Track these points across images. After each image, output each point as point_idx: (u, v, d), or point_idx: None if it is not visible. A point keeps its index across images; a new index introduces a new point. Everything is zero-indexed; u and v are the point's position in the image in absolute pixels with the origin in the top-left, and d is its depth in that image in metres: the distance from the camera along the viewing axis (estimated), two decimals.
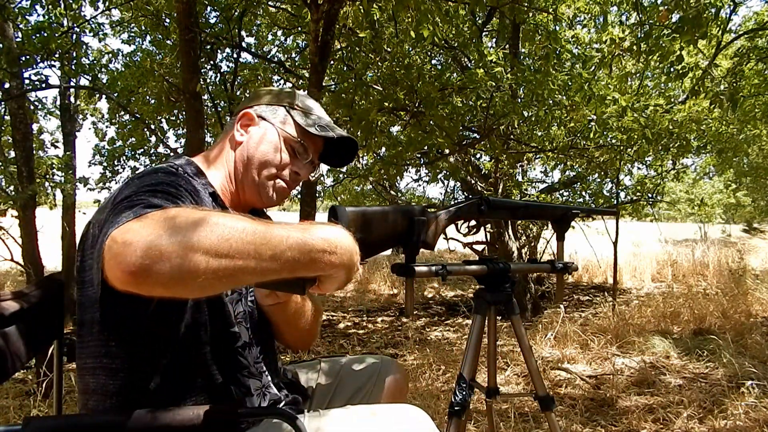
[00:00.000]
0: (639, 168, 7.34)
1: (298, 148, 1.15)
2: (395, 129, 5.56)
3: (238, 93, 6.51)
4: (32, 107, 4.94)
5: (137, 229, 0.68)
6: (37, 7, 4.32)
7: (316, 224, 0.81)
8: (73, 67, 4.48)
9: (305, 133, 1.15)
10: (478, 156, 6.26)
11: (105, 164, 6.96)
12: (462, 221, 1.48)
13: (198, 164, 1.12)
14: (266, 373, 1.13)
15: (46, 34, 3.86)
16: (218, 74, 6.04)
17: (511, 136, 5.31)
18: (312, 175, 1.21)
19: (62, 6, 4.73)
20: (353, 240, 0.83)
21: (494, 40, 6.64)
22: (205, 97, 4.87)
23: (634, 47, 4.26)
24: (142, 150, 6.99)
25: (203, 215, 0.71)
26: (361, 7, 4.56)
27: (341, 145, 1.21)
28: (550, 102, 4.46)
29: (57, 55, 4.01)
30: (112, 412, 0.91)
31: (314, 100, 1.22)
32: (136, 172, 1.06)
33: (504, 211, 1.54)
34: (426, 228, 1.33)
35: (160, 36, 6.05)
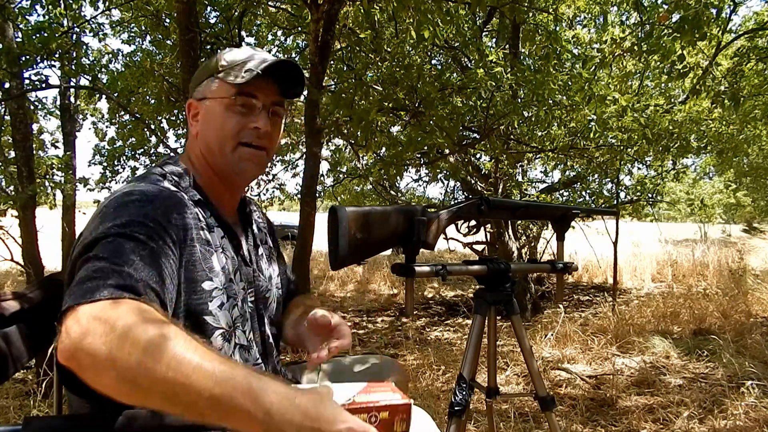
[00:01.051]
0: (639, 168, 7.34)
1: (240, 106, 1.07)
2: (395, 129, 5.56)
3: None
4: (32, 107, 4.94)
5: (81, 328, 0.70)
6: (37, 7, 4.31)
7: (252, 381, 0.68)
8: (73, 67, 4.47)
9: (238, 87, 1.06)
10: (478, 156, 6.26)
11: (105, 164, 6.96)
12: (462, 221, 1.47)
13: (187, 166, 1.10)
14: (266, 372, 1.12)
15: (46, 34, 3.86)
16: None
17: (511, 136, 5.31)
18: (283, 121, 1.16)
19: (62, 6, 4.72)
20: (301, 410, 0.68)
21: (494, 40, 6.64)
22: None
23: (635, 47, 4.27)
24: (142, 150, 6.99)
25: (144, 338, 0.67)
26: (361, 7, 4.56)
27: (288, 73, 1.11)
28: (551, 102, 4.46)
29: (57, 55, 4.00)
30: (111, 412, 0.91)
31: (242, 48, 1.15)
32: (122, 187, 1.01)
33: (504, 211, 1.53)
34: (426, 228, 1.32)
35: (160, 36, 6.05)
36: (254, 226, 1.22)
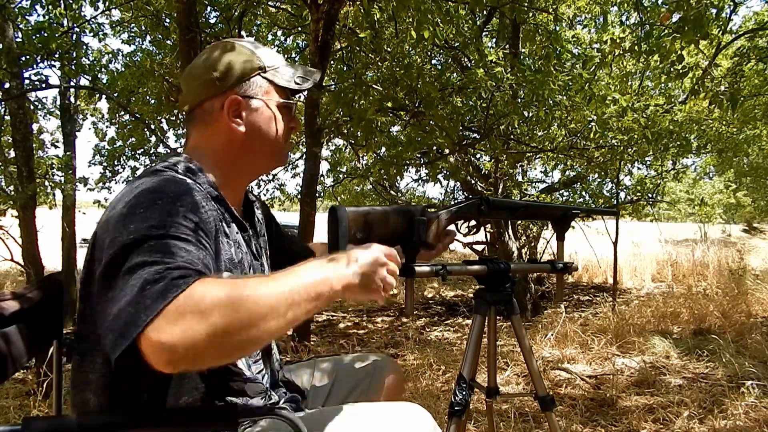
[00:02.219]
0: (639, 168, 7.35)
1: (287, 109, 1.14)
2: (395, 129, 5.56)
3: None
4: (32, 107, 4.95)
5: (171, 330, 0.73)
6: (37, 7, 4.32)
7: (308, 269, 0.86)
8: (73, 67, 4.47)
9: (288, 90, 1.14)
10: (478, 156, 6.26)
11: (105, 164, 6.96)
12: (462, 221, 1.47)
13: (203, 167, 1.07)
14: (266, 372, 1.13)
15: (46, 34, 3.87)
16: None
17: (511, 136, 5.31)
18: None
19: (62, 6, 4.73)
20: (379, 265, 0.94)
21: (494, 40, 6.64)
22: None
23: (635, 47, 4.26)
24: (142, 150, 6.99)
25: (228, 295, 0.75)
26: (361, 7, 4.56)
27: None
28: (551, 102, 4.46)
29: (57, 55, 4.00)
30: (111, 412, 0.91)
31: (258, 45, 1.16)
32: (137, 183, 0.95)
33: (504, 211, 1.53)
34: (426, 228, 1.32)
35: (160, 36, 6.06)
36: (257, 217, 1.24)
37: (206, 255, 0.87)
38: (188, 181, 1.00)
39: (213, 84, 1.08)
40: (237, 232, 1.09)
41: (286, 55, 6.58)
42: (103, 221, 0.92)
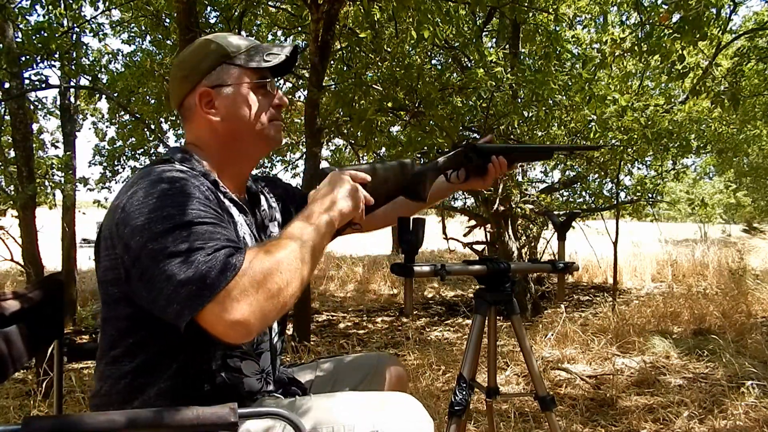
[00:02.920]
0: (639, 168, 7.34)
1: (263, 89, 1.14)
2: (395, 129, 5.56)
3: None
4: (32, 107, 4.95)
5: (240, 308, 0.84)
6: (37, 7, 4.31)
7: (318, 202, 1.03)
8: (73, 67, 4.47)
9: (261, 72, 1.13)
10: None
11: (105, 164, 6.97)
12: (452, 171, 1.44)
13: (196, 154, 1.11)
14: (268, 351, 1.15)
15: (46, 34, 3.86)
16: None
17: (511, 136, 5.31)
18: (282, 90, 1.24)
19: (62, 6, 4.73)
20: (341, 186, 1.07)
21: (494, 40, 6.64)
22: None
23: (635, 47, 4.26)
24: (142, 150, 6.99)
25: (270, 263, 0.88)
26: (361, 7, 4.56)
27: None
28: (551, 102, 4.46)
29: (57, 55, 4.00)
30: (112, 412, 0.91)
31: (223, 35, 1.17)
32: (138, 183, 0.97)
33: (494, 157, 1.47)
34: (419, 182, 1.29)
35: (160, 36, 6.06)
36: (264, 204, 1.25)
37: (231, 231, 0.95)
38: (184, 168, 1.04)
39: (184, 81, 1.12)
40: (239, 215, 1.12)
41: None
42: (112, 225, 0.96)
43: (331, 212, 1.01)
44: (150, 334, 0.99)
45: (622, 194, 6.84)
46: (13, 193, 3.90)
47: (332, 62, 5.08)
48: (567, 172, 7.18)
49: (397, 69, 4.21)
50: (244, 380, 1.07)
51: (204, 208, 0.93)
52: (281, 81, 6.32)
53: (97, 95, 6.97)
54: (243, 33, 5.44)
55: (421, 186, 1.27)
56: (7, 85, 3.83)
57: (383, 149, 5.36)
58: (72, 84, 5.22)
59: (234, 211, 1.10)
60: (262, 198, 1.26)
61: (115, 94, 5.83)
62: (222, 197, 1.08)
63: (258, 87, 1.13)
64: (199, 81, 1.10)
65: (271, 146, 1.19)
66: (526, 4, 4.41)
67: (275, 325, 1.20)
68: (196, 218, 0.90)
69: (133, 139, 6.87)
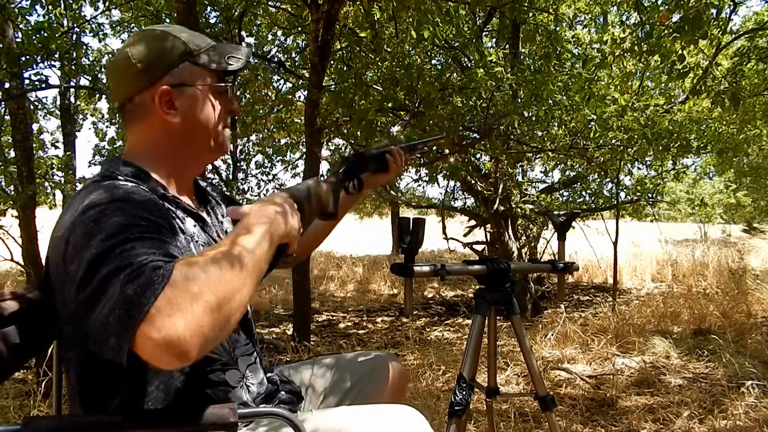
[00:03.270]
0: (639, 168, 7.34)
1: (223, 94, 1.09)
2: (395, 129, 5.56)
3: (238, 93, 6.50)
4: (32, 107, 4.94)
5: (172, 323, 0.71)
6: (37, 7, 4.31)
7: (251, 224, 0.89)
8: (73, 67, 4.47)
9: (221, 74, 1.09)
10: (478, 156, 6.26)
11: None
12: (349, 182, 1.33)
13: (138, 164, 1.03)
14: (243, 356, 1.11)
15: (46, 34, 3.86)
16: None
17: (511, 136, 5.31)
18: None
19: (62, 6, 4.72)
20: (277, 209, 0.95)
21: (494, 40, 6.64)
22: None
23: (635, 47, 4.26)
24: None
25: (207, 270, 0.76)
26: (361, 7, 4.55)
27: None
28: (551, 102, 4.46)
29: (57, 55, 4.00)
30: (111, 412, 0.91)
31: (180, 29, 1.09)
32: (82, 199, 0.91)
33: (374, 162, 1.40)
34: (333, 200, 1.20)
35: None
36: (213, 202, 1.21)
37: (173, 246, 0.85)
38: (130, 185, 0.96)
39: (140, 76, 1.02)
40: (194, 225, 1.06)
41: (280, 53, 6.59)
42: (56, 240, 0.90)
43: (272, 227, 0.91)
44: (125, 367, 0.87)
45: (622, 194, 6.85)
46: (13, 193, 3.90)
47: (332, 62, 5.07)
48: (567, 172, 7.18)
49: (397, 69, 4.21)
50: (232, 392, 1.04)
51: (138, 221, 0.84)
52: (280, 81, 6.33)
53: (97, 95, 6.97)
54: (243, 33, 5.44)
55: (334, 204, 1.20)
56: (7, 85, 3.82)
57: None
58: (72, 84, 5.21)
59: (189, 222, 1.04)
60: (210, 197, 1.21)
61: None
62: (175, 208, 1.03)
63: (218, 91, 1.08)
64: (160, 78, 1.02)
65: (221, 154, 1.14)
66: (526, 4, 4.41)
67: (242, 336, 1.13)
68: (128, 237, 0.80)
69: None
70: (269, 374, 1.20)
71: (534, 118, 4.93)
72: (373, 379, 1.32)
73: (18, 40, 3.78)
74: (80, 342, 0.91)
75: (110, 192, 0.90)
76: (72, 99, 6.57)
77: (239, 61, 1.08)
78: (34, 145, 4.73)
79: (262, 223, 0.89)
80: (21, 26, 4.16)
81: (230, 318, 0.77)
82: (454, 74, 5.11)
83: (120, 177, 0.98)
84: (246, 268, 0.80)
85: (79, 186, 5.48)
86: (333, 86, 5.00)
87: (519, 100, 4.69)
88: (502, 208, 5.77)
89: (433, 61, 5.93)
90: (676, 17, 3.64)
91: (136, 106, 1.04)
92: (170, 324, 0.70)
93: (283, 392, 1.19)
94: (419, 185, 8.10)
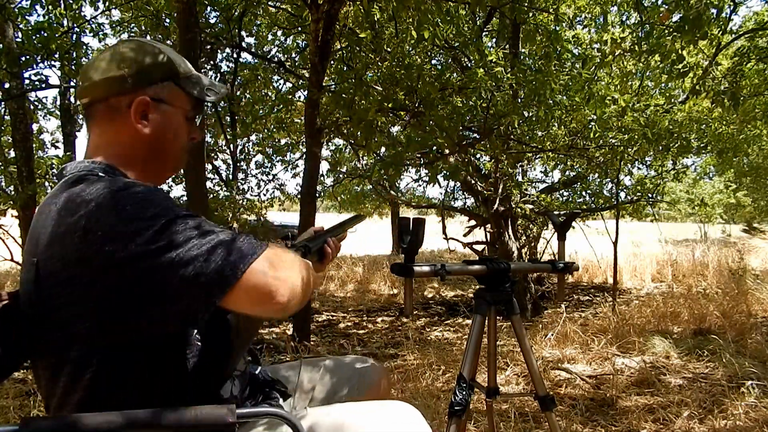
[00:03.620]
0: (639, 168, 7.35)
1: (192, 121, 1.13)
2: (395, 129, 5.56)
3: (237, 93, 6.50)
4: (32, 107, 4.94)
5: (275, 274, 0.88)
6: (37, 7, 4.31)
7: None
8: (73, 67, 4.47)
9: (196, 101, 1.12)
10: (478, 156, 6.26)
11: None
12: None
13: (117, 167, 1.03)
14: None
15: (46, 34, 3.86)
16: (218, 74, 6.04)
17: (511, 136, 5.31)
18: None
19: (62, 6, 4.73)
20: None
21: (494, 40, 6.64)
22: None
23: (635, 47, 4.26)
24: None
25: (291, 257, 0.97)
26: (361, 7, 4.55)
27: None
28: (551, 102, 4.45)
29: (57, 55, 4.00)
30: (112, 412, 0.91)
31: (169, 49, 1.12)
32: (90, 201, 0.88)
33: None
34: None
35: (160, 36, 6.05)
36: None
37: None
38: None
39: (122, 80, 1.03)
40: None
41: (280, 53, 6.59)
42: (69, 253, 0.87)
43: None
44: (136, 363, 0.92)
45: (622, 194, 6.85)
46: (13, 193, 3.90)
47: (332, 62, 5.07)
48: (567, 173, 7.18)
49: (397, 69, 4.21)
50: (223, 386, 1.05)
51: (173, 203, 0.91)
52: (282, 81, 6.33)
53: None
54: (243, 33, 5.44)
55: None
56: (7, 85, 3.83)
57: (383, 149, 5.36)
58: (72, 84, 5.21)
59: None
60: None
61: None
62: None
63: (189, 117, 1.12)
64: (142, 88, 1.04)
65: (175, 173, 1.24)
66: (526, 4, 4.41)
67: None
68: (185, 214, 0.88)
69: None
70: (255, 370, 1.20)
71: (534, 118, 4.94)
72: (357, 385, 1.34)
73: (18, 40, 3.78)
74: (104, 334, 0.89)
75: (117, 181, 0.92)
76: (72, 99, 6.56)
77: (215, 95, 1.14)
78: (34, 145, 4.74)
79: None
80: (21, 26, 4.16)
81: (306, 293, 0.94)
82: (454, 74, 5.11)
83: (102, 174, 0.97)
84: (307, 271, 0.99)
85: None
86: (333, 86, 5.00)
87: (519, 100, 4.69)
88: (502, 208, 5.77)
89: (433, 61, 5.93)
90: (676, 17, 3.64)
91: (109, 108, 1.04)
92: (272, 274, 0.87)
93: (267, 388, 1.20)
94: (419, 185, 8.11)
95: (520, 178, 6.32)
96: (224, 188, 6.30)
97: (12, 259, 3.84)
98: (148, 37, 6.41)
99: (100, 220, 0.85)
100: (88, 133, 1.09)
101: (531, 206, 5.95)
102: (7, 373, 1.02)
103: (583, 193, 7.26)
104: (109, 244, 0.84)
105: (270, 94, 7.01)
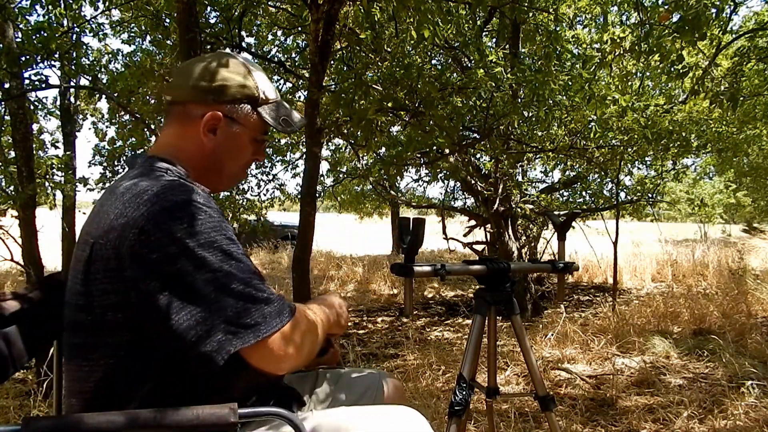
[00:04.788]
0: (639, 168, 7.35)
1: (259, 143, 1.16)
2: (395, 129, 5.56)
3: None
4: (32, 107, 4.94)
5: (295, 340, 0.95)
6: (37, 7, 4.31)
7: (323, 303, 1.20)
8: (73, 67, 4.47)
9: (267, 126, 1.15)
10: (478, 156, 6.26)
11: (105, 164, 6.95)
12: None
13: (186, 167, 1.08)
14: None
15: (46, 34, 3.86)
16: None
17: (511, 136, 5.31)
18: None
19: (62, 6, 4.72)
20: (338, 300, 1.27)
21: (494, 40, 6.64)
22: None
23: (635, 47, 4.26)
24: (142, 150, 6.99)
25: (313, 320, 1.05)
26: (361, 7, 4.55)
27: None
28: (551, 102, 4.45)
29: (57, 55, 4.00)
30: (112, 412, 0.91)
31: (263, 76, 1.16)
32: (154, 198, 0.92)
33: None
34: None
35: (160, 36, 6.05)
36: None
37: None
38: (195, 186, 1.01)
39: (204, 92, 1.08)
40: None
41: (280, 53, 6.58)
42: (123, 246, 0.90)
43: (331, 312, 1.18)
44: (155, 361, 0.95)
45: (622, 194, 6.86)
46: (13, 193, 3.90)
47: (332, 62, 5.07)
48: (567, 172, 7.18)
49: (397, 69, 4.21)
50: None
51: (233, 236, 0.95)
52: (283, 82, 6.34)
53: (97, 95, 6.97)
54: (243, 33, 5.43)
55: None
56: (7, 85, 3.82)
57: (383, 149, 5.36)
58: (72, 84, 5.22)
59: None
60: None
61: (115, 94, 5.82)
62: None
63: (257, 140, 1.15)
64: (219, 104, 1.08)
65: (226, 189, 1.26)
66: (526, 4, 4.40)
67: None
68: (238, 250, 0.93)
69: (133, 139, 6.85)
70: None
71: (534, 119, 4.94)
72: (373, 396, 1.33)
73: (18, 40, 3.78)
74: (130, 331, 0.93)
75: (184, 189, 0.95)
76: (72, 99, 6.56)
77: (290, 127, 1.16)
78: (34, 145, 4.73)
79: (331, 307, 1.19)
80: (21, 26, 4.16)
81: (310, 356, 1.03)
82: (454, 74, 5.11)
83: (169, 171, 1.03)
84: (322, 331, 1.07)
85: (80, 186, 5.42)
86: (333, 86, 5.00)
87: (519, 100, 4.69)
88: (502, 208, 5.77)
89: (433, 61, 5.93)
90: (676, 17, 3.64)
91: (185, 113, 1.10)
92: (287, 350, 0.93)
93: (282, 396, 1.20)
94: (419, 185, 8.11)
95: (520, 178, 6.32)
96: None
97: (12, 259, 3.83)
98: (148, 37, 6.42)
99: (158, 226, 0.89)
100: (163, 127, 1.16)
101: (531, 206, 5.95)
102: (22, 361, 1.07)
103: (583, 193, 7.26)
104: (159, 253, 0.88)
105: None
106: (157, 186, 0.94)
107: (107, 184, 6.81)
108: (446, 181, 6.71)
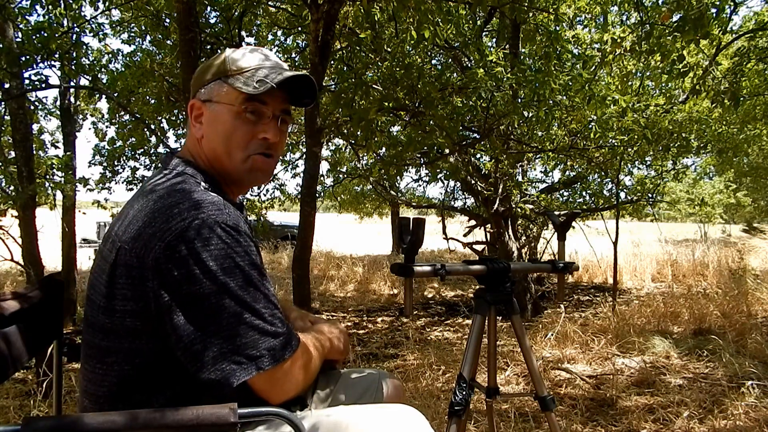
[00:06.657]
0: (639, 168, 7.34)
1: (250, 113, 1.06)
2: (395, 129, 5.56)
3: None
4: (32, 107, 4.94)
5: (297, 374, 1.01)
6: (37, 7, 4.31)
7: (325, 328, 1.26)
8: (73, 67, 4.47)
9: (249, 96, 1.06)
10: (478, 156, 6.26)
11: (105, 164, 6.95)
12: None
13: (201, 165, 1.09)
14: None
15: (46, 34, 3.86)
16: None
17: (511, 136, 5.31)
18: (289, 128, 1.19)
19: (62, 6, 4.72)
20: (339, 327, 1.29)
21: (494, 40, 6.64)
22: None
23: (635, 47, 4.26)
24: (142, 150, 6.99)
25: (315, 351, 1.09)
26: (361, 7, 4.55)
27: (299, 82, 1.11)
28: (551, 102, 4.45)
29: (57, 55, 4.00)
30: (112, 412, 0.91)
31: (250, 50, 1.11)
32: (185, 213, 0.93)
33: None
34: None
35: (160, 36, 6.05)
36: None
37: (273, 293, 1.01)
38: (215, 196, 1.00)
39: (192, 87, 1.14)
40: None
41: (280, 53, 6.58)
42: (148, 257, 0.91)
43: (332, 335, 1.22)
44: (171, 372, 0.96)
45: (622, 194, 6.85)
46: (13, 193, 3.90)
47: (332, 62, 5.07)
48: (567, 172, 7.18)
49: (397, 69, 4.21)
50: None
51: (257, 261, 0.98)
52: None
53: (97, 95, 6.97)
54: (243, 33, 5.43)
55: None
56: (7, 85, 3.82)
57: (383, 149, 5.36)
58: (72, 84, 5.21)
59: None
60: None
61: (115, 94, 5.82)
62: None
63: (242, 112, 1.06)
64: (196, 92, 1.11)
65: (250, 181, 1.12)
66: (526, 4, 4.40)
67: None
68: (259, 277, 0.95)
69: (133, 139, 6.86)
70: None
71: (534, 119, 4.93)
72: (374, 396, 1.33)
73: (18, 40, 3.78)
74: (145, 338, 0.94)
75: (218, 210, 0.95)
76: (72, 99, 6.55)
77: (264, 86, 1.04)
78: (34, 145, 4.73)
79: (335, 335, 1.23)
80: (21, 26, 4.16)
81: (307, 384, 1.07)
82: (454, 74, 5.11)
83: (190, 175, 1.04)
84: (320, 361, 1.12)
85: (80, 186, 5.41)
86: (333, 86, 5.00)
87: (519, 100, 4.69)
88: (502, 208, 5.77)
89: (433, 61, 5.93)
90: (676, 17, 3.64)
91: (189, 112, 1.13)
92: (296, 373, 0.99)
93: None
94: (419, 185, 8.11)
95: (520, 178, 6.32)
96: None
97: (12, 259, 3.83)
98: (148, 37, 6.42)
99: (186, 244, 0.90)
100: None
101: (531, 206, 5.95)
102: (22, 361, 1.09)
103: (583, 193, 7.26)
104: (182, 271, 0.90)
105: None
106: (190, 201, 0.95)
107: (107, 185, 6.81)
108: (446, 181, 6.71)
